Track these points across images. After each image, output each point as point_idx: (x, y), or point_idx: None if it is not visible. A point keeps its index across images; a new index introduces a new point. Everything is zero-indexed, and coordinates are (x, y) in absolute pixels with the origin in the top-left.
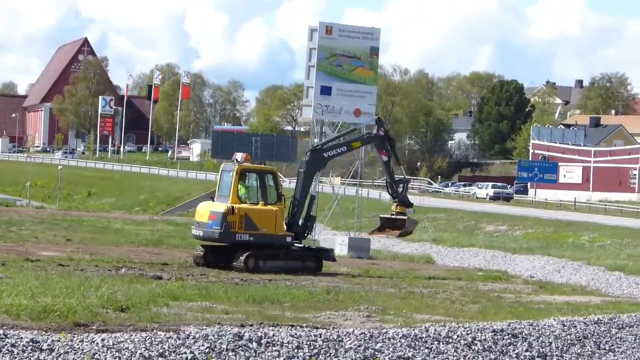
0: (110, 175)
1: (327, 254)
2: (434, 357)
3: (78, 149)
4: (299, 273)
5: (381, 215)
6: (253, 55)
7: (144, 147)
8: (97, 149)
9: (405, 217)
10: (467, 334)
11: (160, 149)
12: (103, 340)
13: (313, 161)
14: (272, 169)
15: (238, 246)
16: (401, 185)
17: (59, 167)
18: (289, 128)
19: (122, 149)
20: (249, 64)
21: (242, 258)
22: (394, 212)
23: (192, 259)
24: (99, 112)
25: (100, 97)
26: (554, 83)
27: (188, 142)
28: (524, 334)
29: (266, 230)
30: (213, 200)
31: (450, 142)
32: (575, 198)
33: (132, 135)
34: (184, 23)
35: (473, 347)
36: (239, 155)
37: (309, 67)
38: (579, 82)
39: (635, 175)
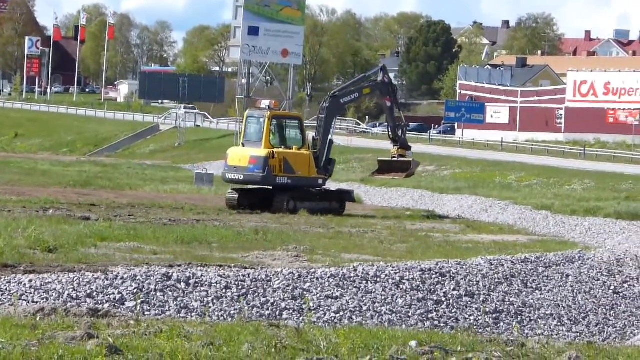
0: (37, 116)
1: (349, 195)
2: (362, 297)
3: (5, 90)
4: (325, 214)
5: (379, 159)
6: None
7: (71, 88)
8: (24, 90)
9: (410, 160)
10: (396, 274)
11: (87, 90)
12: (30, 281)
13: (332, 107)
14: (298, 115)
15: (274, 189)
16: (401, 129)
17: None
18: (217, 69)
19: (49, 90)
20: (177, 5)
21: (284, 201)
22: (396, 155)
23: (225, 204)
24: (26, 53)
25: (26, 38)
26: (481, 24)
27: (115, 83)
28: (451, 272)
29: (301, 173)
30: (244, 146)
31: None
32: (502, 138)
33: (59, 77)
34: None
35: (401, 286)
36: (266, 102)
37: (236, 8)
38: (506, 23)
39: (561, 115)
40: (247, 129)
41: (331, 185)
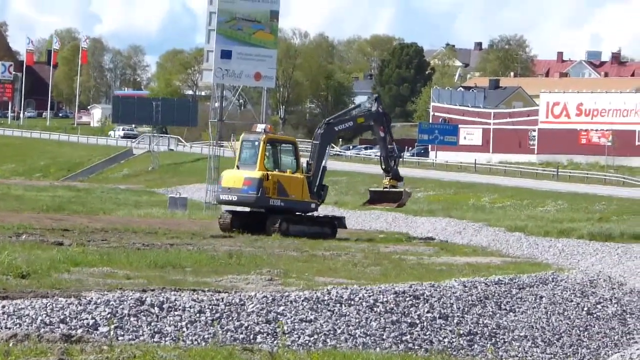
0: (10, 141)
1: (341, 221)
2: (337, 320)
3: None
4: (317, 238)
5: (371, 189)
6: (154, 19)
7: (44, 113)
8: None
9: (402, 190)
10: (369, 296)
11: (60, 114)
12: (3, 307)
13: (326, 134)
14: (293, 140)
15: (267, 211)
16: (393, 160)
17: None
18: (190, 92)
19: (21, 115)
20: (150, 29)
21: (276, 223)
22: (387, 186)
23: (218, 226)
24: None
25: None
26: (454, 45)
27: (88, 107)
28: (425, 295)
29: (295, 197)
30: (238, 169)
31: (351, 105)
32: (475, 160)
33: (32, 101)
34: None
35: (375, 309)
36: (262, 126)
37: (209, 31)
38: (478, 45)
39: (534, 136)
40: (242, 152)
41: None
